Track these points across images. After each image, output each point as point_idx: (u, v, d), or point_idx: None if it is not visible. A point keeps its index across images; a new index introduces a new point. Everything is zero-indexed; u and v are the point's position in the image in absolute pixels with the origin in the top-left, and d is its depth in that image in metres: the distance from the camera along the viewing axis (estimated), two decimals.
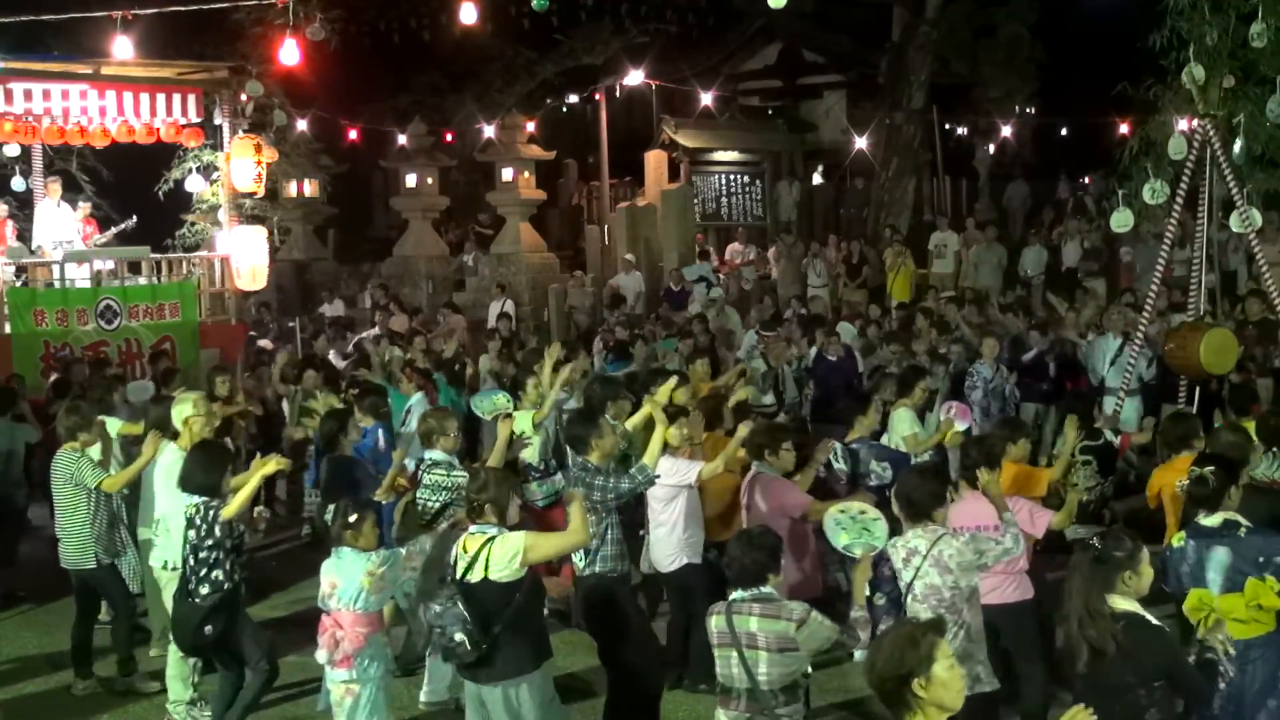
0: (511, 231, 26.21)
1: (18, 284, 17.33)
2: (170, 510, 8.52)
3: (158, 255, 18.92)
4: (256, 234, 19.36)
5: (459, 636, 6.34)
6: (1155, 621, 5.56)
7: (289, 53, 13.47)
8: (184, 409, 8.94)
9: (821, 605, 7.76)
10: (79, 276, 17.58)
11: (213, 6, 18.58)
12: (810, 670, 6.15)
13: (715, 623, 6.07)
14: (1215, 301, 11.99)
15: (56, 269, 17.61)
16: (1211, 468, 6.84)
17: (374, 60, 29.05)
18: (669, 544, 8.64)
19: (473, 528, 6.66)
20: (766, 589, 6.03)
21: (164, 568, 8.70)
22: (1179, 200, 11.13)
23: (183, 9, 16.31)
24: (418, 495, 8.98)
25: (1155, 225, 12.27)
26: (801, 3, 27.88)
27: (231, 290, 19.12)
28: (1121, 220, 11.74)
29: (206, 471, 7.82)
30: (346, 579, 7.19)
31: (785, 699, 5.89)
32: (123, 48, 13.33)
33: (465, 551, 6.52)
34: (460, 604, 6.37)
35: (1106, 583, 5.48)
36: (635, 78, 29.84)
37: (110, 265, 17.98)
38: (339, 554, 7.27)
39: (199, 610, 7.70)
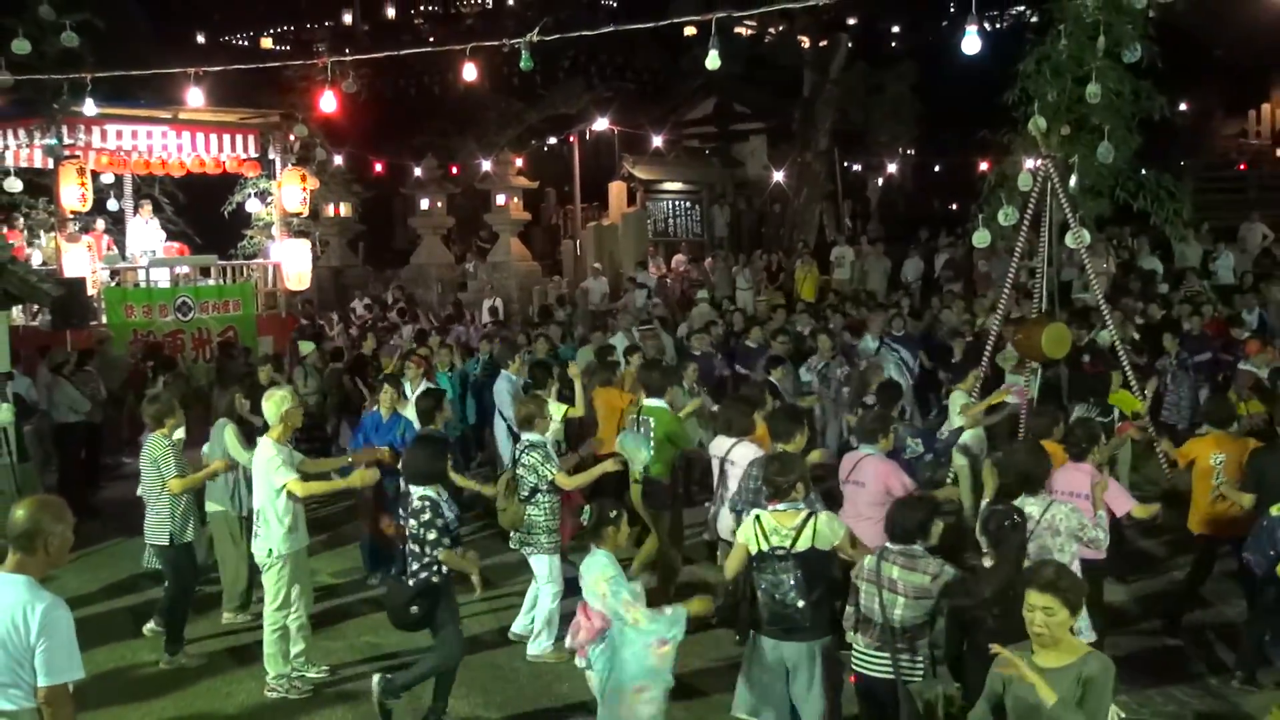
0: (504, 245, 26.18)
1: (113, 285, 17.28)
2: (267, 501, 7.31)
3: (223, 262, 18.86)
4: (302, 245, 19.38)
5: (801, 603, 5.61)
6: None
7: (328, 102, 13.32)
8: (275, 404, 7.44)
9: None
10: (161, 278, 17.48)
11: (268, 66, 18.48)
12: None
13: (868, 562, 5.58)
14: (1054, 302, 12.06)
15: (143, 273, 17.55)
16: None
17: (395, 108, 29.05)
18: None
19: (781, 505, 5.87)
20: (915, 547, 5.52)
21: (268, 555, 7.33)
22: (1026, 222, 11.22)
23: (244, 68, 16.19)
24: (516, 472, 7.86)
25: (1008, 242, 12.32)
26: (732, 65, 27.84)
27: (282, 290, 19.07)
28: (981, 238, 11.82)
29: (431, 462, 6.69)
30: (589, 576, 5.87)
31: (912, 635, 5.47)
32: (195, 97, 13.21)
33: (780, 525, 5.75)
34: (798, 571, 5.65)
35: None
36: (602, 124, 29.87)
37: (186, 270, 17.91)
38: (592, 551, 5.98)
39: (408, 591, 6.60)
